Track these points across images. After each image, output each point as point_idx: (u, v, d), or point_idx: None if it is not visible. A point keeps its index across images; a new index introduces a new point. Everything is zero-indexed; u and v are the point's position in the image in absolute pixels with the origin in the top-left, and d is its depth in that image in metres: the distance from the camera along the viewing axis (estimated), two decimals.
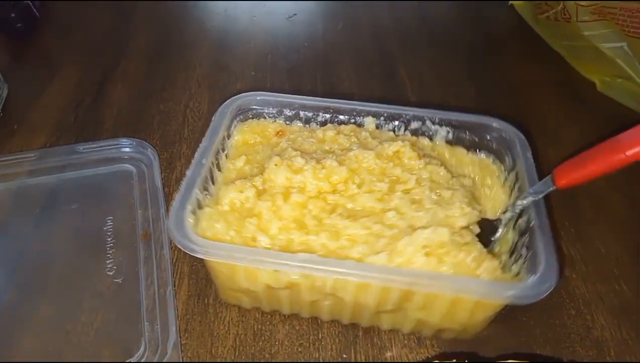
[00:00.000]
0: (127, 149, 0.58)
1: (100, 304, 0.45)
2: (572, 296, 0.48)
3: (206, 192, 0.44)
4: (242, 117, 0.51)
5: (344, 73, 0.75)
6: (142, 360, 0.41)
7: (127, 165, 0.57)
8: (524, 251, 0.40)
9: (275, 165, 0.45)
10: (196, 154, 0.44)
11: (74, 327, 0.44)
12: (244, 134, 0.51)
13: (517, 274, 0.40)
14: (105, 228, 0.51)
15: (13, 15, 0.76)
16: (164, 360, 0.41)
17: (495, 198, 0.47)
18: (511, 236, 0.43)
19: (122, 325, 0.44)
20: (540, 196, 0.41)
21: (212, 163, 0.45)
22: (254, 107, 0.51)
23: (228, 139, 0.49)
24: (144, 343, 0.42)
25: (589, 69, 0.73)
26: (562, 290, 0.49)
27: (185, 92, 0.70)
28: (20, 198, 0.54)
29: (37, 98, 0.68)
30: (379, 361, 0.43)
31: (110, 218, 0.52)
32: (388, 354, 0.43)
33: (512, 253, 0.42)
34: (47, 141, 0.62)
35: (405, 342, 0.44)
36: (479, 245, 0.40)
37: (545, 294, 0.35)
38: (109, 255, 0.49)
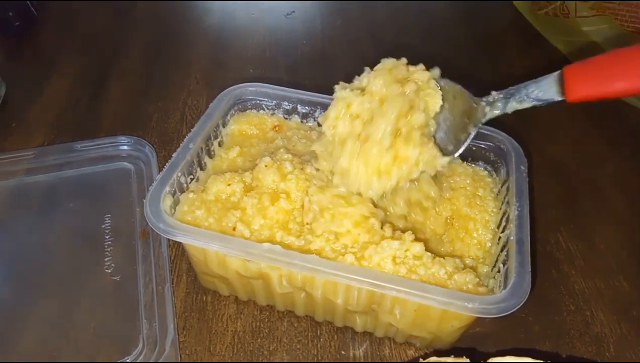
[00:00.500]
0: (125, 147, 0.58)
1: (98, 302, 0.45)
2: (572, 292, 0.48)
3: (191, 176, 0.44)
4: (240, 107, 0.51)
5: (342, 70, 0.75)
6: (140, 358, 0.41)
7: (125, 163, 0.57)
8: (501, 267, 0.39)
9: (266, 166, 0.44)
10: (186, 138, 0.44)
11: (72, 325, 0.44)
12: (240, 125, 0.51)
13: (492, 289, 0.38)
14: (103, 226, 0.51)
15: (11, 14, 0.76)
16: (162, 358, 0.41)
17: (486, 209, 0.45)
18: (494, 251, 0.42)
19: (121, 322, 0.44)
20: (542, 104, 0.37)
21: (202, 148, 0.45)
22: (253, 97, 0.51)
23: (224, 127, 0.49)
24: (142, 340, 0.42)
25: None
26: (562, 286, 0.49)
27: (184, 89, 0.70)
28: (18, 196, 0.54)
29: (35, 97, 0.68)
30: (378, 360, 0.43)
31: (109, 215, 0.52)
32: (386, 351, 0.43)
33: (492, 267, 0.41)
34: (45, 139, 0.61)
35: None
36: (454, 260, 0.39)
37: (510, 311, 0.34)
38: (107, 253, 0.49)
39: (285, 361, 0.43)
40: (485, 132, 0.47)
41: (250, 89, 0.51)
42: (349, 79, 0.72)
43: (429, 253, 0.39)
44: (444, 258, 0.39)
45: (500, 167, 0.47)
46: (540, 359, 0.36)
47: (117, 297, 0.45)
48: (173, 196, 0.41)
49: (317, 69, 0.75)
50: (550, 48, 0.78)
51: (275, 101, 0.51)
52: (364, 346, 0.44)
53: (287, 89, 0.52)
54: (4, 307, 0.45)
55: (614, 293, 0.48)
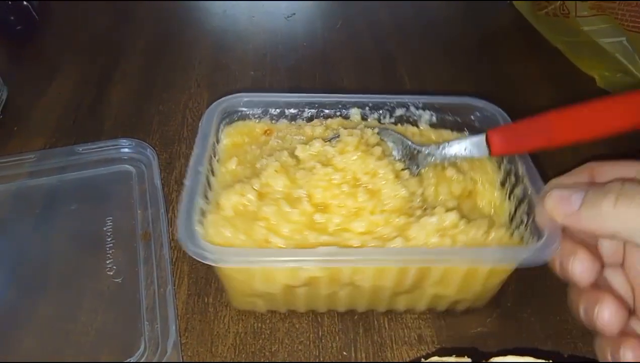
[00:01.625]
0: (127, 150, 0.58)
1: (100, 304, 0.45)
2: None
3: (206, 199, 0.43)
4: (227, 120, 0.50)
5: (343, 72, 0.75)
6: (142, 359, 0.41)
7: (126, 166, 0.57)
8: (524, 218, 0.42)
9: (276, 171, 0.44)
10: (190, 163, 0.43)
11: (73, 327, 0.44)
12: (232, 137, 0.50)
13: (521, 239, 0.42)
14: (105, 228, 0.51)
15: (12, 17, 0.77)
16: (164, 359, 0.41)
17: (486, 170, 0.48)
18: (507, 206, 0.45)
19: (122, 324, 0.44)
20: (471, 156, 0.44)
21: (207, 170, 0.44)
22: (240, 109, 0.51)
23: (218, 143, 0.49)
24: (143, 342, 0.42)
25: (589, 65, 0.73)
26: (564, 286, 0.48)
27: (185, 92, 0.70)
28: (19, 199, 0.54)
29: (36, 100, 0.68)
30: (379, 360, 0.43)
31: (110, 218, 0.52)
32: (388, 352, 0.43)
33: (511, 221, 0.44)
34: (47, 142, 0.62)
35: (406, 339, 0.44)
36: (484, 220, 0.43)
37: (554, 254, 0.37)
38: (108, 255, 0.49)
39: (287, 362, 0.43)
40: (466, 102, 0.50)
41: (236, 100, 0.50)
42: (350, 80, 0.73)
43: (463, 219, 0.41)
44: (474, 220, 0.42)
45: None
46: (542, 359, 0.35)
47: (119, 299, 0.45)
48: (201, 224, 0.40)
49: (318, 71, 0.75)
50: (550, 48, 0.78)
51: (262, 109, 0.51)
52: (366, 347, 0.44)
53: (272, 94, 0.51)
54: (6, 309, 0.45)
55: None
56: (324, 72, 0.75)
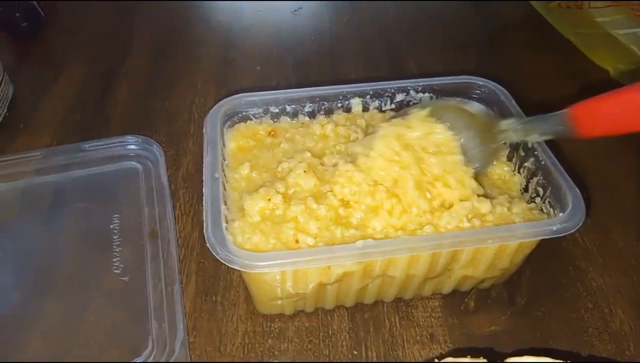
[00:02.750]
0: (133, 147, 0.58)
1: (107, 303, 0.45)
2: (589, 289, 0.47)
3: (225, 206, 0.42)
4: (229, 123, 0.49)
5: (350, 67, 0.74)
6: (150, 358, 0.40)
7: (133, 163, 0.57)
8: (540, 191, 0.43)
9: (305, 172, 0.44)
10: (205, 170, 0.42)
11: (81, 326, 0.44)
12: (236, 141, 0.49)
13: (541, 211, 0.42)
14: (112, 226, 0.50)
15: (18, 15, 0.76)
16: (172, 358, 0.40)
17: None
18: (518, 179, 0.46)
19: (130, 323, 0.43)
20: (547, 138, 0.42)
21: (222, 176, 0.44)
22: (240, 110, 0.50)
23: (224, 148, 0.47)
24: (151, 341, 0.41)
25: (602, 57, 0.71)
26: (579, 283, 0.47)
27: (191, 88, 0.70)
28: (26, 197, 0.54)
29: (42, 97, 0.68)
30: (391, 359, 0.42)
31: (117, 216, 0.51)
32: (399, 351, 0.43)
33: (522, 193, 0.45)
34: (53, 140, 0.61)
35: (418, 337, 0.43)
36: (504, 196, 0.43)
37: (582, 223, 0.38)
38: (115, 253, 0.48)
39: (296, 362, 0.42)
40: (464, 80, 0.51)
41: (236, 101, 0.49)
42: (357, 75, 0.72)
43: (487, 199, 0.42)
44: (495, 198, 0.42)
45: (491, 108, 0.50)
46: (559, 359, 0.34)
47: (126, 298, 0.45)
48: (228, 232, 0.40)
49: (324, 66, 0.74)
50: (562, 41, 0.77)
51: (262, 108, 0.50)
52: (377, 345, 0.43)
53: (272, 92, 0.50)
54: (14, 308, 0.45)
55: (633, 290, 0.47)
56: (331, 67, 0.74)
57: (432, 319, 0.45)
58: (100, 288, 0.46)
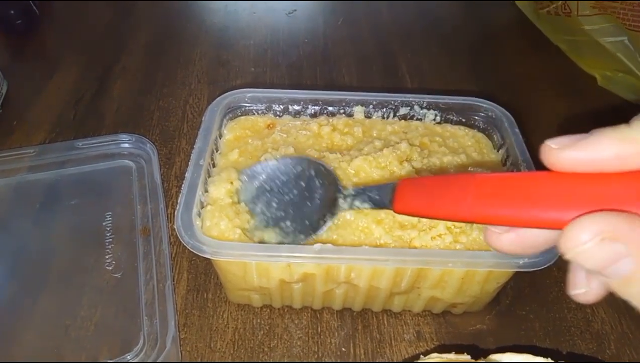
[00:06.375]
0: (127, 145, 0.58)
1: (99, 299, 0.45)
2: None
3: (206, 192, 0.43)
4: (231, 115, 0.50)
5: (344, 69, 0.75)
6: (141, 355, 0.41)
7: (126, 161, 0.57)
8: None
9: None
10: (192, 156, 0.43)
11: (73, 322, 0.44)
12: (234, 131, 0.50)
13: None
14: (104, 223, 0.51)
15: (13, 12, 0.76)
16: (163, 354, 0.41)
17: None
18: None
19: (121, 319, 0.44)
20: (372, 206, 0.38)
21: (209, 164, 0.45)
22: (243, 104, 0.51)
23: (220, 138, 0.49)
24: (142, 337, 0.42)
25: (590, 64, 0.73)
26: (562, 283, 0.49)
27: (185, 88, 0.70)
28: (19, 194, 0.54)
29: (36, 95, 0.68)
30: (378, 356, 0.43)
31: (110, 213, 0.52)
32: (387, 348, 0.43)
33: None
34: (47, 137, 0.62)
35: (405, 335, 0.44)
36: None
37: (552, 261, 0.37)
38: (107, 250, 0.49)
39: (285, 359, 0.43)
40: (471, 102, 0.50)
41: (240, 95, 0.50)
42: (351, 78, 0.73)
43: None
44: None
45: (492, 133, 0.49)
46: (541, 356, 0.36)
47: (118, 294, 0.45)
48: (199, 216, 0.41)
49: (319, 68, 0.75)
50: (551, 47, 0.78)
51: (265, 105, 0.51)
52: (365, 343, 0.44)
53: (277, 90, 0.51)
54: (5, 304, 0.45)
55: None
56: (325, 69, 0.74)
57: (420, 318, 0.46)
58: (92, 285, 0.46)
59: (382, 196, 0.36)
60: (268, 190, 0.44)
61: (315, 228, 0.41)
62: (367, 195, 0.38)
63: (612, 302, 0.47)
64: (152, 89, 0.70)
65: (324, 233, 0.40)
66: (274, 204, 0.43)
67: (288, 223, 0.42)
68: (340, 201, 0.40)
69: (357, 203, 0.39)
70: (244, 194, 0.43)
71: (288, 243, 0.41)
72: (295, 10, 0.88)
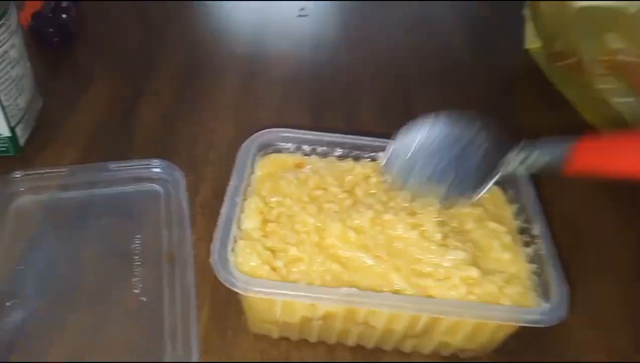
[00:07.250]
0: (157, 170, 0.60)
1: (125, 321, 0.48)
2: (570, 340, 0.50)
3: (239, 230, 0.46)
4: (262, 153, 0.54)
5: (362, 106, 0.78)
6: None
7: (155, 185, 0.60)
8: (534, 279, 0.44)
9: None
10: (227, 193, 0.46)
11: (99, 341, 0.46)
12: (265, 169, 0.53)
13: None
14: (133, 246, 0.53)
15: (51, 30, 0.80)
16: None
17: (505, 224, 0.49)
18: (517, 264, 0.46)
19: (146, 343, 0.46)
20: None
21: (242, 199, 0.48)
22: (274, 143, 0.54)
23: (252, 175, 0.51)
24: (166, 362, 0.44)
25: (597, 120, 0.76)
26: (570, 336, 0.51)
27: (212, 116, 0.73)
28: (51, 212, 0.57)
29: (69, 114, 0.71)
30: None
31: (138, 236, 0.54)
32: None
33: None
34: (79, 156, 0.64)
35: None
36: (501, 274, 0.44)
37: (562, 319, 0.39)
38: (135, 273, 0.51)
39: None
40: None
41: (274, 135, 0.53)
42: (371, 113, 0.75)
43: (480, 273, 0.43)
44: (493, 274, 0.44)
45: (507, 188, 0.52)
46: None
47: (144, 318, 0.48)
48: (233, 252, 0.44)
49: (340, 104, 0.78)
50: (563, 101, 0.81)
51: (295, 145, 0.54)
52: None
53: (310, 132, 0.54)
54: (34, 322, 0.47)
55: (613, 344, 0.50)
56: (346, 106, 0.77)
57: (428, 359, 0.47)
58: (120, 306, 0.49)
59: (555, 154, 0.38)
60: (425, 151, 0.46)
61: (476, 186, 0.44)
62: (538, 154, 0.39)
63: (610, 356, 0.49)
64: (180, 114, 0.73)
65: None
66: (435, 163, 0.45)
67: (450, 180, 0.44)
68: (505, 160, 0.43)
69: (528, 161, 0.42)
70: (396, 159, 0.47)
71: (450, 201, 0.44)
72: (320, 45, 0.91)
